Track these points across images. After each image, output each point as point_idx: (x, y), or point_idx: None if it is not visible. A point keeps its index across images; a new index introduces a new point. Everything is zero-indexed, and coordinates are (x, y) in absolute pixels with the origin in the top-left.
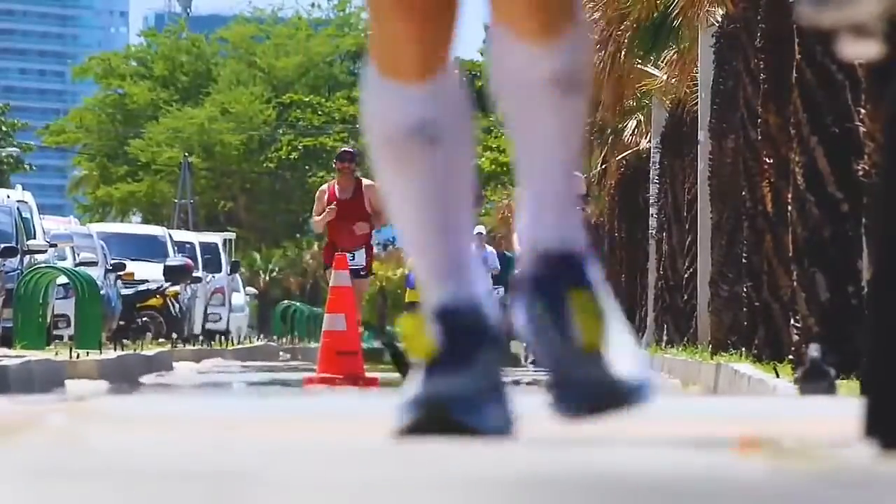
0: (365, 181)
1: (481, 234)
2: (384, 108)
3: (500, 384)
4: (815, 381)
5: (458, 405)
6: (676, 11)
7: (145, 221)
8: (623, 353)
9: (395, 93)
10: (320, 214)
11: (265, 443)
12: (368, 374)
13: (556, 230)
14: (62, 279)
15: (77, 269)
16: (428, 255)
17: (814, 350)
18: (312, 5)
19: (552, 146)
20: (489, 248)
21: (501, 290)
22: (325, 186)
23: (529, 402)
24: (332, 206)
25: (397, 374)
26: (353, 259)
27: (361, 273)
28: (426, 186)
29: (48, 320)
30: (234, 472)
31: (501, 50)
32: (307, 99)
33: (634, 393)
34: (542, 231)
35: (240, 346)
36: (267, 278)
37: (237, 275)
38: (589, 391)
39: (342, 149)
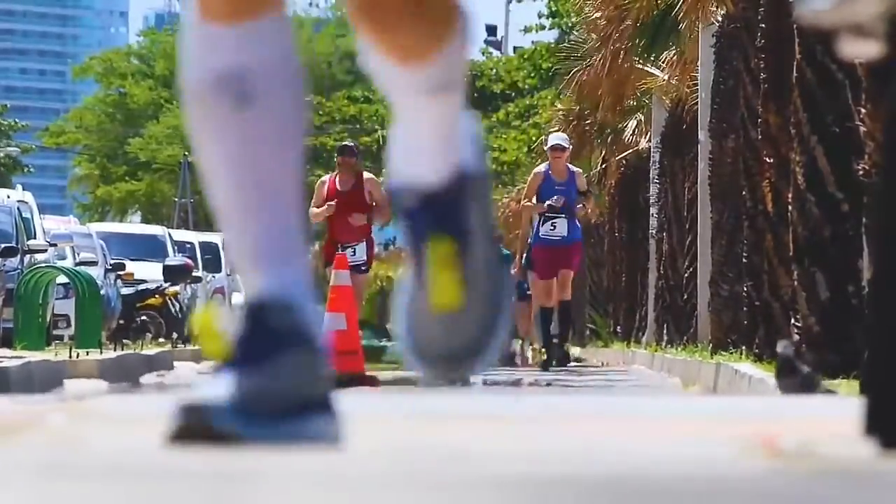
0: (366, 174)
1: None
2: (193, 55)
3: (306, 393)
4: (787, 377)
5: (224, 413)
6: (681, 14)
7: (145, 221)
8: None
9: (204, 37)
10: (318, 206)
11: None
12: (368, 373)
13: (431, 167)
14: (62, 279)
15: (77, 268)
16: (237, 236)
17: (781, 346)
18: (311, 4)
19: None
20: None
21: None
22: (325, 178)
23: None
24: (332, 203)
25: (398, 374)
26: (354, 254)
27: (363, 268)
28: (235, 153)
29: (48, 320)
30: (234, 472)
31: (374, 63)
32: (307, 99)
33: (474, 359)
34: (415, 168)
35: None
36: None
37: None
38: (430, 359)
39: (343, 143)
